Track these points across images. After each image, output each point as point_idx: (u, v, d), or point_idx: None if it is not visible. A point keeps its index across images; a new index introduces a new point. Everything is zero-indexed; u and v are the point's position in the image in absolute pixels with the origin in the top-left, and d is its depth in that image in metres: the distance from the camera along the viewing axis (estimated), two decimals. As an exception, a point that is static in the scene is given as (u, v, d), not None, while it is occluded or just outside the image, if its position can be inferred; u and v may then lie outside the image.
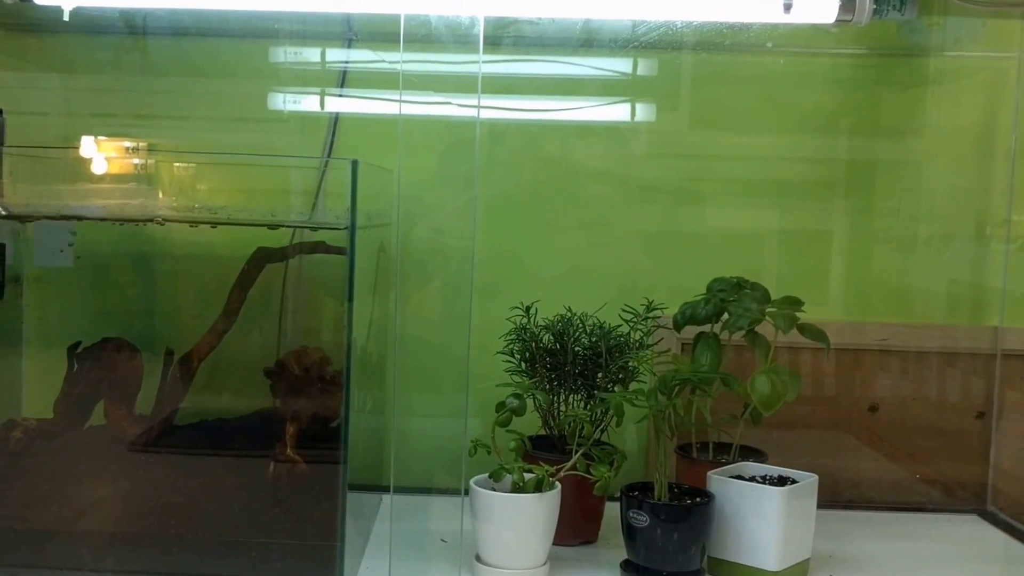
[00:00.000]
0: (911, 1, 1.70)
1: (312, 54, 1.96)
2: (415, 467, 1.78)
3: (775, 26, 1.82)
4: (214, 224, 1.64)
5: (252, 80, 1.96)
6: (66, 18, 1.62)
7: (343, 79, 1.94)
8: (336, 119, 1.92)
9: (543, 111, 1.95)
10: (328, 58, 1.95)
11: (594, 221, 1.95)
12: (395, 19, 1.49)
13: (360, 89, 1.95)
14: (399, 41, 1.60)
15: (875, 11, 1.71)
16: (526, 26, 1.79)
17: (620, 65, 1.94)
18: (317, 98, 1.97)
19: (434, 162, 1.78)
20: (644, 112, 1.96)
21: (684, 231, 1.95)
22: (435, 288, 1.86)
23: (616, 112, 1.96)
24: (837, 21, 1.72)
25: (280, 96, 1.95)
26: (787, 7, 1.62)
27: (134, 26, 1.86)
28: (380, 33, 1.90)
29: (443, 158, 1.80)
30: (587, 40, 1.86)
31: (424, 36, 1.55)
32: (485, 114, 1.87)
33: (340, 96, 1.94)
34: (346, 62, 1.93)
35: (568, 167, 1.95)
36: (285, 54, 1.95)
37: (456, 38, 1.49)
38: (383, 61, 1.92)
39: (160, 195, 1.73)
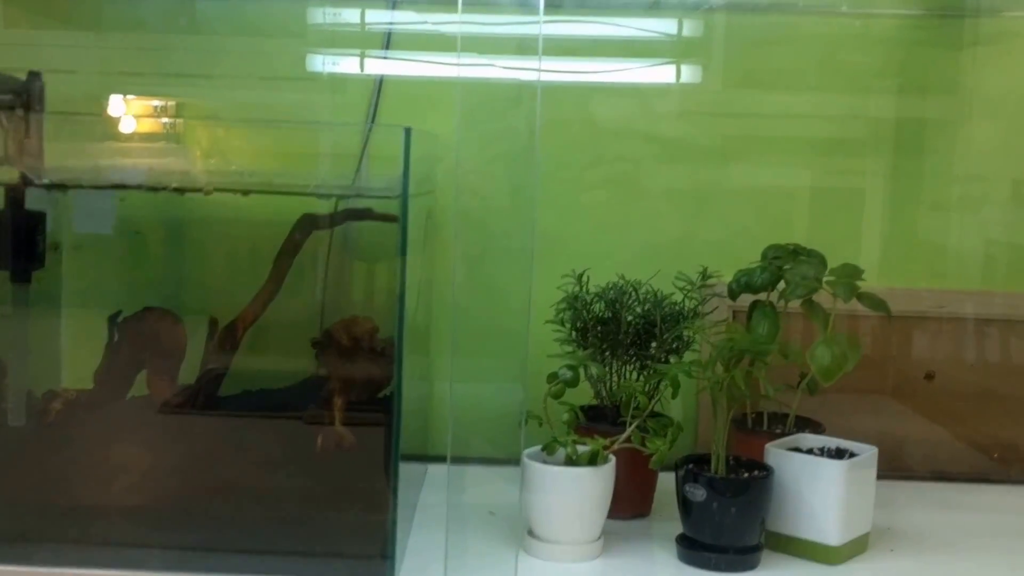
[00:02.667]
0: None
1: (353, 15, 1.91)
2: (463, 437, 1.75)
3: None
4: (262, 192, 1.60)
5: (295, 39, 1.92)
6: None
7: (388, 41, 1.90)
8: (381, 81, 1.87)
9: (598, 72, 1.90)
10: (374, 19, 1.91)
11: (642, 186, 1.90)
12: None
13: (406, 51, 1.90)
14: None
15: None
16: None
17: (689, 28, 1.91)
18: (357, 59, 1.93)
19: (486, 127, 1.73)
20: (696, 73, 1.91)
21: (736, 189, 1.91)
22: (488, 255, 1.82)
23: (672, 73, 1.92)
24: None
25: (320, 58, 1.91)
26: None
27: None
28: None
29: (496, 123, 1.75)
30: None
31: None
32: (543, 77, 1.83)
33: (385, 59, 1.90)
34: (391, 23, 1.88)
35: (622, 132, 1.92)
36: (325, 15, 1.91)
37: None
38: (430, 23, 1.87)
39: (200, 161, 1.70)
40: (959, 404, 1.90)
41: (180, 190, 1.65)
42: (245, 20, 1.91)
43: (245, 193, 1.53)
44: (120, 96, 1.80)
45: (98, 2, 1.91)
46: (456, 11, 1.41)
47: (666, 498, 1.56)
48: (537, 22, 1.46)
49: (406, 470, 1.55)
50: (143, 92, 1.84)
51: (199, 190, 1.58)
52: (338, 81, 1.93)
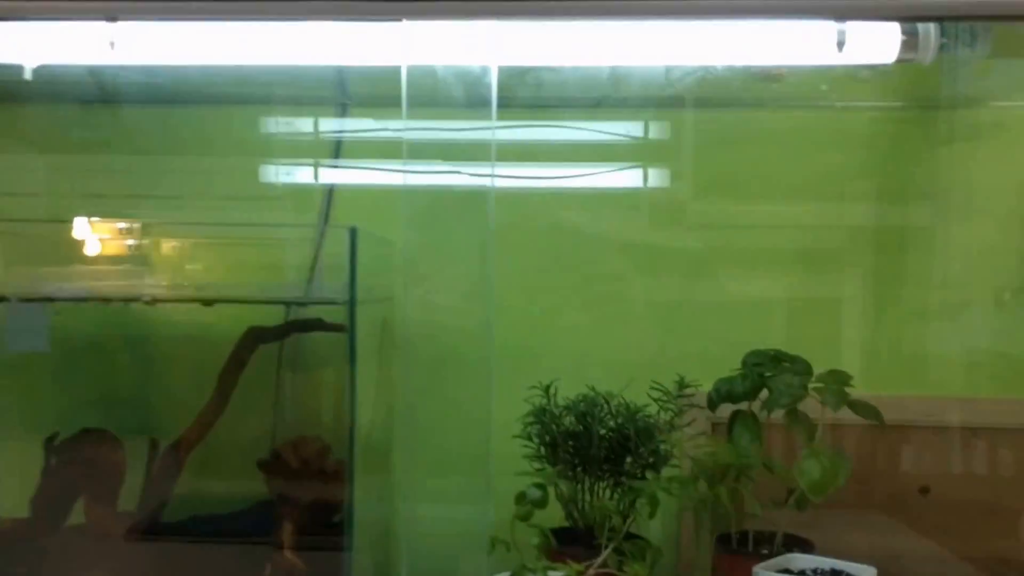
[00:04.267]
0: (983, 36, 1.55)
1: (305, 124, 1.84)
2: (428, 564, 1.64)
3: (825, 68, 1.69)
4: (205, 302, 1.52)
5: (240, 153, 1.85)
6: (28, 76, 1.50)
7: (338, 149, 1.83)
8: (331, 191, 1.80)
9: (555, 178, 1.83)
10: (321, 127, 1.84)
11: (610, 294, 1.82)
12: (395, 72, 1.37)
13: (357, 159, 1.83)
14: (400, 103, 1.48)
15: (942, 46, 1.55)
16: (545, 73, 1.67)
17: (633, 129, 1.84)
18: (311, 170, 1.85)
19: (440, 234, 1.66)
20: (663, 177, 1.85)
21: (709, 298, 1.83)
22: (446, 367, 1.73)
23: (638, 177, 1.85)
24: (898, 60, 1.56)
25: (272, 169, 1.83)
26: (840, 46, 1.47)
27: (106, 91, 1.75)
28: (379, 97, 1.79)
29: (450, 230, 1.68)
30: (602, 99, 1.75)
31: (430, 88, 1.42)
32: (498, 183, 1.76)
33: (335, 167, 1.82)
34: (340, 131, 1.82)
35: (581, 238, 1.83)
36: (277, 124, 1.84)
37: (467, 86, 1.37)
38: (385, 129, 1.80)
39: (146, 274, 1.62)
40: (953, 518, 1.80)
41: (122, 300, 1.57)
42: (196, 134, 1.84)
43: (183, 302, 1.45)
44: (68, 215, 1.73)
45: (44, 124, 1.85)
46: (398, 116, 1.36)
47: None
48: (490, 127, 1.40)
49: None
50: (91, 212, 1.76)
51: (136, 299, 1.50)
52: (292, 192, 1.86)
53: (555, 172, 1.84)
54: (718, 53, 1.59)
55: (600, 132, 1.81)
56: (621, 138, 1.84)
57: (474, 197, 1.56)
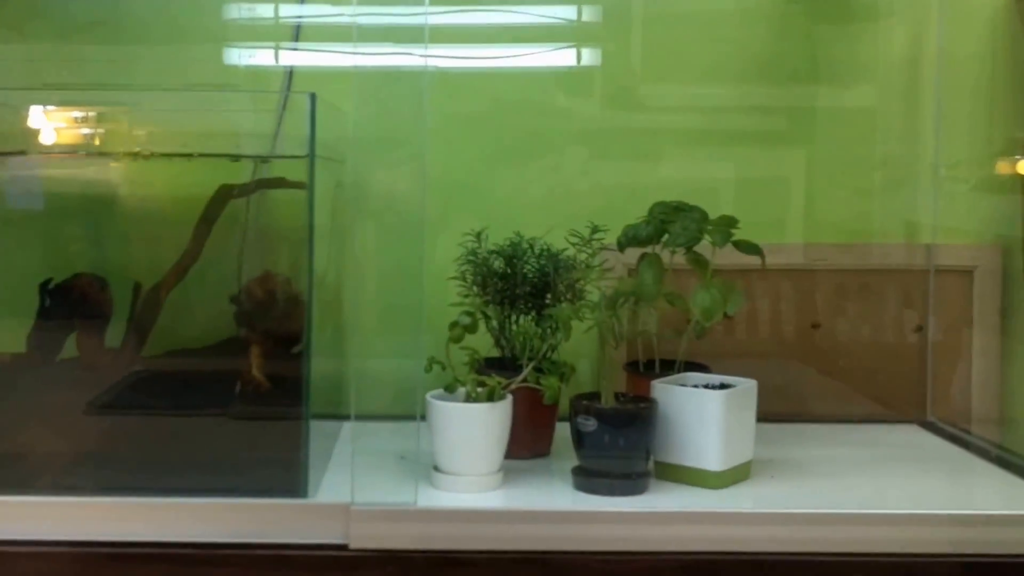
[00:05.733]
0: None
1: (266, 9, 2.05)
2: (375, 393, 1.85)
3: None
4: (183, 156, 1.71)
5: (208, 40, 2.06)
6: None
7: (297, 33, 2.03)
8: (291, 72, 2.01)
9: (492, 58, 2.04)
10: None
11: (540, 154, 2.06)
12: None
13: (314, 42, 2.03)
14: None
15: None
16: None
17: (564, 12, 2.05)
18: (272, 53, 2.06)
19: (384, 107, 1.86)
20: (594, 56, 2.06)
21: (631, 167, 2.05)
22: (391, 220, 1.94)
23: (562, 56, 2.06)
24: None
25: (235, 52, 2.04)
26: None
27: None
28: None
29: (393, 104, 1.88)
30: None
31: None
32: (438, 63, 1.97)
33: (295, 50, 2.03)
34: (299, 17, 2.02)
35: (516, 108, 2.07)
36: (240, 11, 2.04)
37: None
38: (340, 15, 2.00)
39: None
40: (841, 351, 2.06)
41: (114, 155, 1.77)
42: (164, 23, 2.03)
43: (165, 157, 1.65)
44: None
45: (18, 13, 2.03)
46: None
47: (567, 443, 1.65)
48: (424, 13, 1.60)
49: (320, 425, 1.66)
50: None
51: (136, 154, 1.70)
52: (254, 74, 2.06)
53: (492, 52, 2.05)
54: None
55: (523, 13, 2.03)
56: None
57: (413, 76, 1.76)
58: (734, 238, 1.73)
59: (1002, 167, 2.05)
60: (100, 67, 2.03)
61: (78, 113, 1.81)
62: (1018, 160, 2.02)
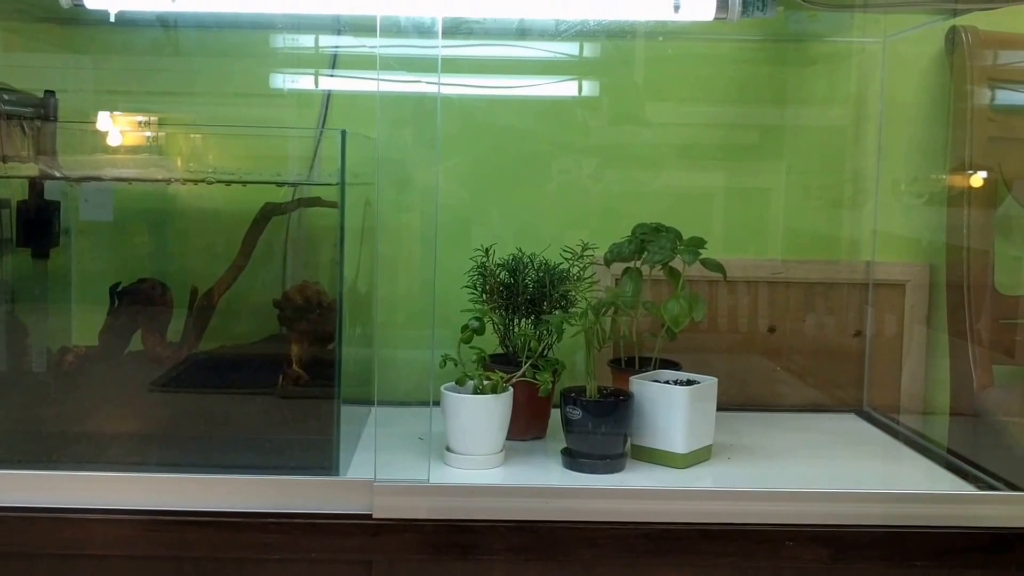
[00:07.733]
0: (771, 1, 2.04)
1: (308, 41, 2.33)
2: (397, 384, 2.11)
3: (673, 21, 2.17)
4: (229, 183, 1.97)
5: (258, 63, 2.33)
6: (112, 19, 1.98)
7: (334, 61, 2.32)
8: (328, 96, 2.30)
9: (496, 88, 2.33)
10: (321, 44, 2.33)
11: (542, 178, 2.33)
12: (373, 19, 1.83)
13: (347, 70, 2.31)
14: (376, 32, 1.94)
15: (743, 11, 2.02)
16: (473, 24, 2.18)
17: (558, 48, 2.33)
18: (312, 78, 2.34)
19: (403, 131, 2.07)
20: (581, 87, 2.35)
21: (616, 188, 2.34)
22: (412, 235, 2.22)
23: (556, 88, 2.34)
24: (715, 19, 2.04)
25: (280, 76, 2.32)
26: (676, 8, 1.98)
27: (166, 22, 2.22)
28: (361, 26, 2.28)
29: (412, 128, 2.11)
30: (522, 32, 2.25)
31: (395, 30, 1.87)
32: (451, 91, 2.24)
33: (331, 76, 2.31)
34: (336, 47, 2.30)
35: (518, 135, 2.34)
36: (284, 40, 2.32)
37: (419, 33, 1.82)
38: (363, 46, 2.28)
39: (179, 163, 2.09)
40: (792, 350, 2.37)
41: (180, 181, 2.05)
42: (219, 46, 2.31)
43: (210, 183, 1.94)
44: (111, 112, 2.19)
45: (90, 31, 2.28)
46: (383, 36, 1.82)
47: (560, 427, 1.93)
48: (436, 47, 1.85)
49: (351, 410, 1.92)
50: (131, 108, 2.22)
51: (202, 180, 1.98)
52: (295, 96, 2.35)
53: (500, 82, 2.33)
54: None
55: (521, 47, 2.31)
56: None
57: (428, 101, 2.00)
58: (701, 256, 2.02)
59: (932, 197, 2.35)
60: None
61: (150, 133, 2.11)
62: (946, 191, 2.31)
